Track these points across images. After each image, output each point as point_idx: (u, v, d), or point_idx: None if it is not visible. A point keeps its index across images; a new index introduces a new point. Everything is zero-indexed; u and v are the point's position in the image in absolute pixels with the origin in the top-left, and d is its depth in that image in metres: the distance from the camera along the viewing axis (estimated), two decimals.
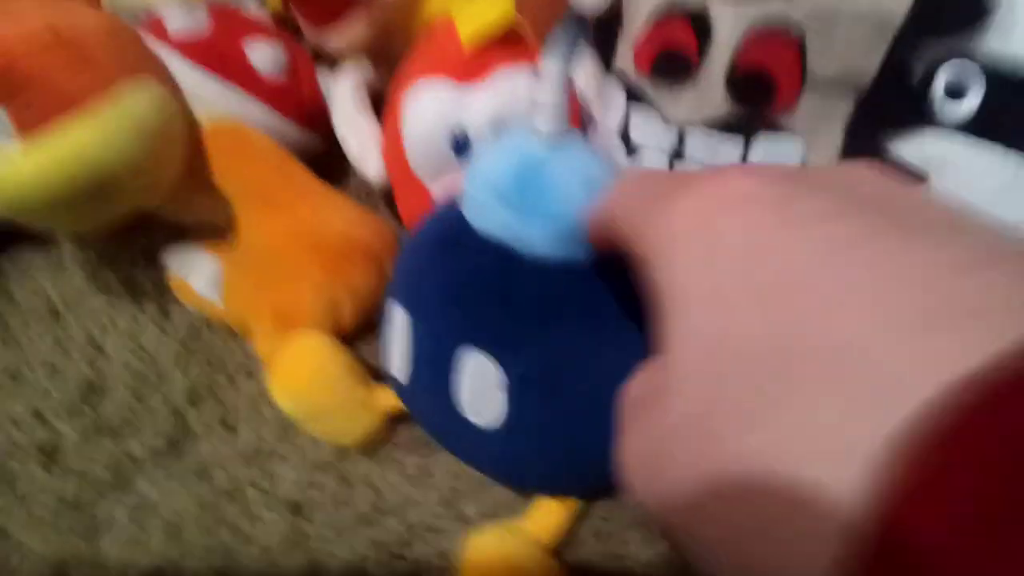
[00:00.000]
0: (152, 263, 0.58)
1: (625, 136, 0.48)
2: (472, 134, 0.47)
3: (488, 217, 0.34)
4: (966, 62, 0.40)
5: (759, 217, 0.18)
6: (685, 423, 0.18)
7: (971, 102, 0.41)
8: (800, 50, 0.41)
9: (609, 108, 0.49)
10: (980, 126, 0.41)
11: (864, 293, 0.15)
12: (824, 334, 0.15)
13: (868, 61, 0.41)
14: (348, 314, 0.50)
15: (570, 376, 0.35)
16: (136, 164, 0.42)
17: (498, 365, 0.35)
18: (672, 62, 0.44)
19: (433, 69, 0.48)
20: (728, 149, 0.44)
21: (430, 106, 0.48)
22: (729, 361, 0.17)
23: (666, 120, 0.46)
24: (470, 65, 0.47)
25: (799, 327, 0.16)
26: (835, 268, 0.16)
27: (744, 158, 0.44)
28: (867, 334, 0.15)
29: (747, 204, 0.18)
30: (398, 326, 0.39)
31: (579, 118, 0.52)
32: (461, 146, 0.47)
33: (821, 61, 0.41)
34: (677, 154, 0.46)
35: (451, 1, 0.57)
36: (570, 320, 0.34)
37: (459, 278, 0.35)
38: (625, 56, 0.48)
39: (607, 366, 0.32)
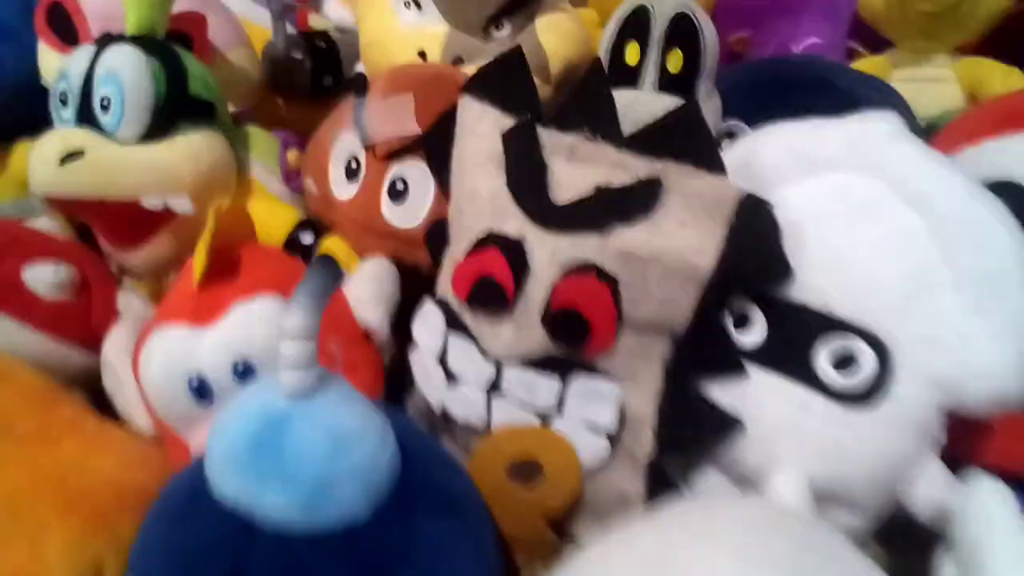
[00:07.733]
0: None
1: (444, 363, 0.44)
2: (211, 378, 0.42)
3: (224, 482, 0.28)
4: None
5: None
6: None
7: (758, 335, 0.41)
8: (614, 293, 0.39)
9: (429, 334, 0.46)
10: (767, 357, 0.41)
11: None
12: None
13: (680, 307, 0.39)
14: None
15: None
16: None
17: None
18: (488, 291, 0.41)
19: (168, 315, 0.45)
20: (545, 388, 0.41)
21: (158, 354, 0.43)
22: None
23: (484, 353, 0.43)
24: (204, 304, 0.43)
25: None
26: None
27: (561, 398, 0.41)
28: None
29: None
30: None
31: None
32: (203, 392, 0.42)
33: (635, 305, 0.39)
34: (495, 387, 0.42)
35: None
36: None
37: (187, 559, 0.28)
38: (447, 281, 0.46)
39: None
